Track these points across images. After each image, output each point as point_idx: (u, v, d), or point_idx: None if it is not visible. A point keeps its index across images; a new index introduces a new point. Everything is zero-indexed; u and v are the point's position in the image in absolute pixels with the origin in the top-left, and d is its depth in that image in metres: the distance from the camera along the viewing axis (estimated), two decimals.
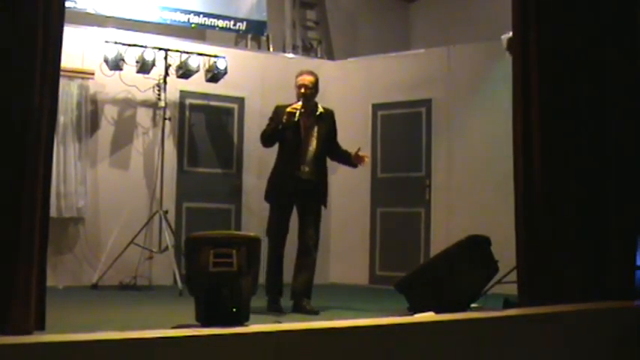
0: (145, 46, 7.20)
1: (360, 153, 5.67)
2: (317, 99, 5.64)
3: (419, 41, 9.94)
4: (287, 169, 5.47)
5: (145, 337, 3.02)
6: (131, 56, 7.24)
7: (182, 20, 8.08)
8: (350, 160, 5.72)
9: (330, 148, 5.65)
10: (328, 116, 5.65)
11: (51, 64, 3.70)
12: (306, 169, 5.46)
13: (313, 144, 5.50)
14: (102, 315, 5.17)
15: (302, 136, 5.47)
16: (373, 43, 9.64)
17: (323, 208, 5.60)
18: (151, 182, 7.45)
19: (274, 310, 5.29)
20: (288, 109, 5.36)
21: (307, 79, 5.55)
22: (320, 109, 5.59)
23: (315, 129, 5.54)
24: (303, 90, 5.51)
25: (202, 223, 7.40)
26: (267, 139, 5.59)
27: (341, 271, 8.27)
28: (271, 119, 5.58)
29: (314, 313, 5.24)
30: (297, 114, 5.34)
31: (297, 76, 5.63)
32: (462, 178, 7.76)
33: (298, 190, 5.45)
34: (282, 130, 5.40)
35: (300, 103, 5.41)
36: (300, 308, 5.32)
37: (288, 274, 5.53)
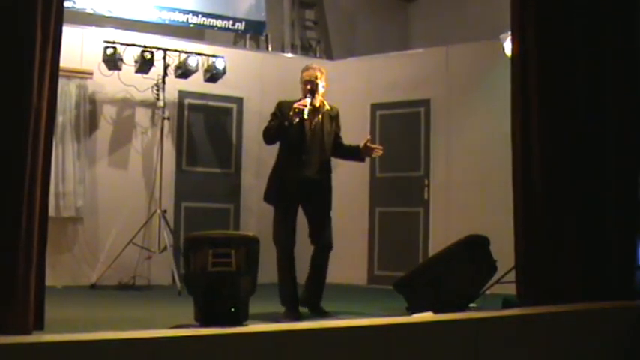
0: (144, 46, 7.20)
1: (371, 144, 5.41)
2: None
3: (418, 41, 9.93)
4: (290, 168, 5.18)
5: (143, 336, 3.01)
6: (130, 56, 7.23)
7: (181, 20, 8.08)
8: (358, 154, 5.46)
9: (335, 146, 5.38)
10: (334, 113, 5.38)
11: (50, 64, 3.70)
12: (311, 168, 5.19)
13: (319, 142, 5.23)
14: (101, 315, 5.18)
15: (307, 134, 5.19)
16: (372, 42, 9.64)
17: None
18: (149, 182, 7.44)
19: (293, 318, 4.93)
20: (295, 106, 5.06)
21: (314, 75, 5.26)
22: (326, 106, 5.32)
23: (322, 127, 5.26)
24: (309, 86, 5.20)
25: (201, 222, 7.42)
26: (271, 136, 5.24)
27: (339, 271, 8.20)
28: (274, 115, 5.28)
29: (329, 314, 5.17)
30: (305, 112, 5.04)
31: (303, 71, 5.35)
32: (460, 178, 7.75)
33: (302, 191, 5.20)
34: (288, 127, 5.09)
35: (307, 100, 5.11)
36: (318, 311, 5.19)
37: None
